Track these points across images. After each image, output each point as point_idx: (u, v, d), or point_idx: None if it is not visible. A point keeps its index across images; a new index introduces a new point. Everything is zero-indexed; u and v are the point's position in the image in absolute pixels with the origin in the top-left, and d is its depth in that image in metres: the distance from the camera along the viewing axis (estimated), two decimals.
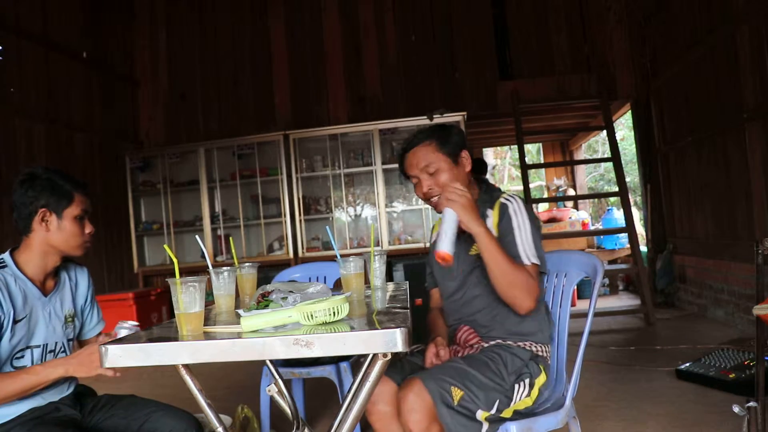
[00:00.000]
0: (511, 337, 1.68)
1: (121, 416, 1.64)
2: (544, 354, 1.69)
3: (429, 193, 1.74)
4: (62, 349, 1.68)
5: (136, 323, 1.55)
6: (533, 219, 1.68)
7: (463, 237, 1.70)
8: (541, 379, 1.63)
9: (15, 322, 1.55)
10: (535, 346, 1.68)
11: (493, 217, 1.71)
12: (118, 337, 1.46)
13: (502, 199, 1.72)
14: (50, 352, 1.66)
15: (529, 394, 1.59)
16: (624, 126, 11.45)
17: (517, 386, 1.58)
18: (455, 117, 5.52)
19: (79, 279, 1.80)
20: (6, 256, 1.62)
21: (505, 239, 1.63)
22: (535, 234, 1.65)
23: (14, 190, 1.62)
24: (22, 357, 1.59)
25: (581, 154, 9.56)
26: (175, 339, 1.25)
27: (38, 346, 1.62)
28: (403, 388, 1.48)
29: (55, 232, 1.60)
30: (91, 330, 1.82)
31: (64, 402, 1.65)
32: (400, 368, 1.70)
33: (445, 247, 1.53)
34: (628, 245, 5.69)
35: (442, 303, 1.89)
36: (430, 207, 5.55)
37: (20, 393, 1.47)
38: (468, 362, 1.56)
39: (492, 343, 1.69)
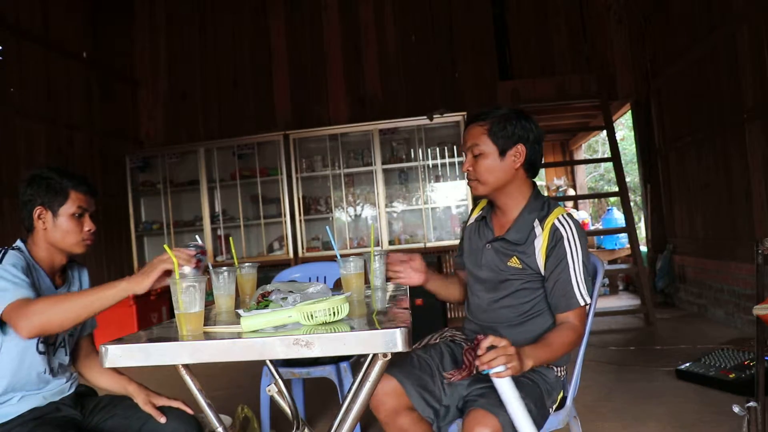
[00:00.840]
0: None
1: (121, 417, 1.65)
2: (562, 374, 1.67)
3: (467, 173, 1.68)
4: (62, 344, 1.69)
5: (202, 244, 1.51)
6: (584, 241, 1.60)
7: (498, 247, 1.66)
8: (560, 397, 1.65)
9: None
10: (558, 369, 1.65)
11: (542, 238, 1.60)
12: (189, 250, 1.45)
13: (556, 222, 1.60)
14: (51, 344, 1.66)
15: (552, 412, 1.62)
16: (624, 126, 11.43)
17: (551, 410, 1.59)
18: (455, 117, 5.52)
19: (82, 278, 1.82)
20: (20, 243, 1.64)
21: (560, 276, 1.57)
22: (586, 262, 1.59)
23: (19, 189, 1.66)
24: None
25: (581, 154, 9.56)
26: (175, 339, 1.25)
27: (44, 339, 1.62)
28: (476, 424, 1.36)
29: (52, 229, 1.61)
30: (85, 328, 1.82)
31: (65, 402, 1.65)
32: (409, 363, 1.65)
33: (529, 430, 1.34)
34: (628, 245, 5.69)
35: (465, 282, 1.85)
36: (430, 207, 5.61)
37: (83, 309, 1.40)
38: (527, 393, 1.47)
39: None
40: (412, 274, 1.73)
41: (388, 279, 1.77)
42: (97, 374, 1.79)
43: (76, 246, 1.64)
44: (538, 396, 1.52)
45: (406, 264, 1.72)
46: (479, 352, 1.35)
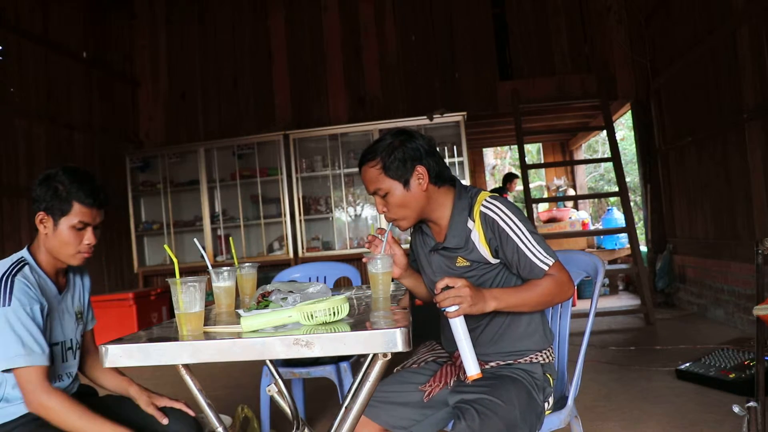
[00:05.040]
0: (511, 356, 1.61)
1: (123, 417, 1.64)
2: (549, 359, 1.64)
3: (384, 215, 1.63)
4: (70, 347, 1.69)
5: None
6: (518, 212, 1.55)
7: (442, 253, 1.64)
8: (553, 391, 1.63)
9: (47, 316, 1.57)
10: (540, 355, 1.62)
11: (477, 230, 1.56)
12: None
13: (482, 208, 1.56)
14: (69, 349, 1.67)
15: (549, 406, 1.60)
16: (624, 126, 11.44)
17: (546, 404, 1.58)
18: (455, 117, 5.52)
19: (83, 275, 1.81)
20: (25, 253, 1.60)
21: (513, 257, 1.53)
22: (531, 229, 1.54)
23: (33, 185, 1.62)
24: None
25: (581, 154, 9.57)
26: (175, 339, 1.25)
27: (57, 344, 1.62)
28: None
29: (51, 236, 1.56)
30: (86, 326, 1.82)
31: None
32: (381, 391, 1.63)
33: (474, 369, 1.37)
34: (628, 245, 5.69)
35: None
36: None
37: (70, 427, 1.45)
38: (514, 392, 1.49)
39: (492, 364, 1.61)
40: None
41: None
42: (99, 374, 1.79)
43: (71, 258, 1.59)
44: (526, 393, 1.51)
45: (389, 249, 1.67)
46: (435, 291, 1.39)
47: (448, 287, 1.38)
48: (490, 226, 1.55)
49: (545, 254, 1.52)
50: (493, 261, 1.58)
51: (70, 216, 1.55)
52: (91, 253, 1.63)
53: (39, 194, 1.57)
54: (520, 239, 1.52)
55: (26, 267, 1.56)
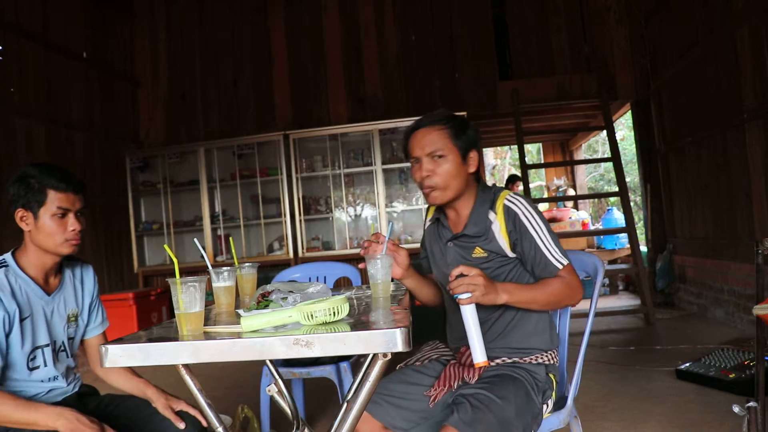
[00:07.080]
0: (517, 353, 1.62)
1: (123, 417, 1.64)
2: (553, 361, 1.65)
3: (425, 179, 1.61)
4: (62, 348, 1.68)
5: None
6: (538, 211, 1.60)
7: (460, 243, 1.65)
8: (554, 393, 1.63)
9: (21, 320, 1.55)
10: (545, 356, 1.63)
11: (498, 222, 1.60)
12: None
13: (505, 202, 1.60)
14: (62, 351, 1.67)
15: (548, 408, 1.60)
16: (624, 126, 11.45)
17: (545, 407, 1.58)
18: None
19: (84, 277, 1.79)
20: (8, 256, 1.61)
21: (530, 252, 1.57)
22: (549, 229, 1.59)
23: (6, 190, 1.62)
24: (35, 358, 1.60)
25: (581, 154, 9.57)
26: (175, 339, 1.25)
27: (47, 345, 1.62)
28: None
29: (35, 231, 1.57)
30: (94, 329, 1.81)
31: (67, 402, 1.64)
32: (386, 389, 1.63)
33: (481, 357, 1.39)
34: (628, 245, 5.69)
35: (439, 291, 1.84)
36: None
37: (6, 420, 1.42)
38: (513, 390, 1.49)
39: (498, 361, 1.62)
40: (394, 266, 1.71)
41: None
42: (115, 376, 1.77)
43: (61, 247, 1.59)
44: (524, 393, 1.51)
45: (392, 253, 1.68)
46: (450, 278, 1.43)
47: (462, 275, 1.41)
48: (512, 219, 1.59)
49: (560, 254, 1.57)
50: (510, 254, 1.61)
51: (48, 205, 1.56)
52: (80, 240, 1.62)
53: (14, 193, 1.57)
54: (539, 236, 1.57)
55: (5, 268, 1.56)
